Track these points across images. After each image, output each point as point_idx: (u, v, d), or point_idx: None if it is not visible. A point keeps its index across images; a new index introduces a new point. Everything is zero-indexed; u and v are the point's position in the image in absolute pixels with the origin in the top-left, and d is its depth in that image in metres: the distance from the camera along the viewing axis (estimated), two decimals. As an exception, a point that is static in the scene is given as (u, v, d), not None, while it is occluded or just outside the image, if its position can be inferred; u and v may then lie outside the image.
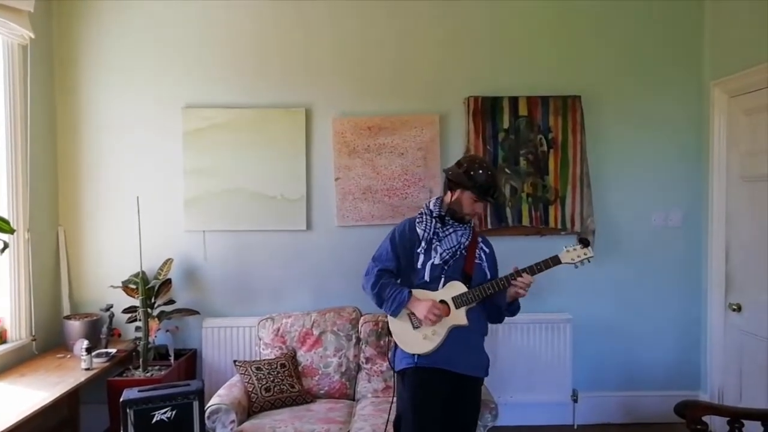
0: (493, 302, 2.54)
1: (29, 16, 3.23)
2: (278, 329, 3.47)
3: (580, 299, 3.78)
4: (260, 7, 3.71)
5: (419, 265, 2.52)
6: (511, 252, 3.65)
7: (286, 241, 3.75)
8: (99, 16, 3.67)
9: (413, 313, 2.48)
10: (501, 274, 2.56)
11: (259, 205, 3.70)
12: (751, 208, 3.33)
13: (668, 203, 3.80)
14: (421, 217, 2.58)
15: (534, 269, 2.42)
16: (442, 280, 2.49)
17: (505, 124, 3.71)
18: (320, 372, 3.38)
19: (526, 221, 3.71)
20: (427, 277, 2.50)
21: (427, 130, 3.71)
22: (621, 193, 3.79)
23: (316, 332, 3.44)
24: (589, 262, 2.43)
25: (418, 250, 2.53)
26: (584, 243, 2.42)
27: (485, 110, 3.69)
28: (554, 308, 3.76)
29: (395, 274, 2.59)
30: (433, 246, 2.52)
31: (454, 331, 2.45)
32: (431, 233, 2.53)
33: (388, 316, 2.56)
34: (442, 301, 2.46)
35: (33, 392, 2.75)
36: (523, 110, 3.71)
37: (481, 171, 2.51)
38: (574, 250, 2.43)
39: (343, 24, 3.73)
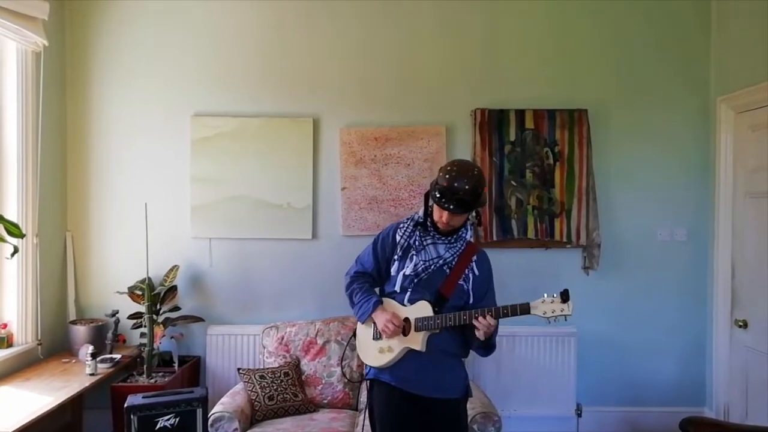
0: (463, 335, 2.31)
1: (43, 24, 3.28)
2: (282, 338, 3.47)
3: (585, 313, 3.73)
4: (269, 18, 3.75)
5: (393, 272, 2.38)
6: (515, 264, 3.69)
7: (292, 250, 3.76)
8: (110, 25, 3.72)
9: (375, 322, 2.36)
10: (500, 294, 2.39)
11: (266, 213, 3.72)
12: (757, 225, 3.32)
13: (674, 218, 3.80)
14: (404, 224, 2.41)
15: (500, 312, 2.16)
16: (409, 292, 2.31)
17: (512, 137, 3.73)
18: (324, 381, 3.38)
19: (531, 234, 3.71)
20: (397, 287, 2.34)
21: (434, 142, 3.73)
22: (627, 207, 3.79)
23: (320, 341, 3.44)
24: (565, 320, 2.16)
25: (395, 257, 2.37)
26: (564, 297, 2.13)
27: (492, 122, 3.71)
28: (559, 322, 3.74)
29: (373, 277, 2.47)
30: (410, 255, 2.33)
31: (414, 353, 2.27)
32: (410, 241, 2.34)
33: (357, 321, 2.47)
34: (407, 319, 2.30)
35: (38, 396, 2.76)
36: (529, 123, 3.72)
37: (442, 174, 2.22)
38: (552, 302, 2.14)
39: (351, 35, 3.77)
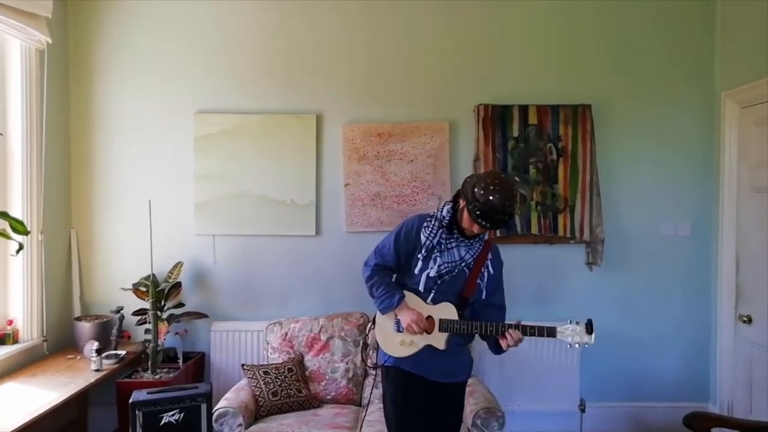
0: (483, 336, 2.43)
1: (47, 22, 3.28)
2: (286, 334, 3.48)
3: (588, 308, 3.72)
4: (272, 15, 3.75)
5: (416, 271, 2.42)
6: (519, 260, 3.68)
7: (295, 246, 3.77)
8: (114, 23, 3.73)
9: (398, 317, 2.43)
10: (505, 289, 2.51)
11: (269, 209, 3.72)
12: (761, 219, 3.30)
13: (678, 213, 3.79)
14: (429, 222, 2.41)
15: (527, 331, 2.31)
16: (432, 293, 2.39)
17: (515, 133, 3.72)
18: (327, 377, 3.39)
19: (534, 229, 3.71)
20: (421, 287, 2.41)
21: (437, 138, 3.72)
22: (630, 202, 3.78)
23: (323, 337, 3.45)
24: (586, 346, 2.30)
25: (419, 255, 2.42)
26: (589, 329, 2.26)
27: (495, 118, 3.70)
28: (562, 317, 3.71)
29: (394, 271, 2.51)
30: (434, 256, 2.38)
31: (433, 347, 2.38)
32: (434, 241, 2.37)
33: (377, 309, 2.52)
34: (430, 317, 2.38)
35: (43, 392, 2.78)
36: (533, 119, 3.71)
37: (483, 191, 2.22)
38: (576, 331, 2.27)
39: (354, 31, 3.76)
